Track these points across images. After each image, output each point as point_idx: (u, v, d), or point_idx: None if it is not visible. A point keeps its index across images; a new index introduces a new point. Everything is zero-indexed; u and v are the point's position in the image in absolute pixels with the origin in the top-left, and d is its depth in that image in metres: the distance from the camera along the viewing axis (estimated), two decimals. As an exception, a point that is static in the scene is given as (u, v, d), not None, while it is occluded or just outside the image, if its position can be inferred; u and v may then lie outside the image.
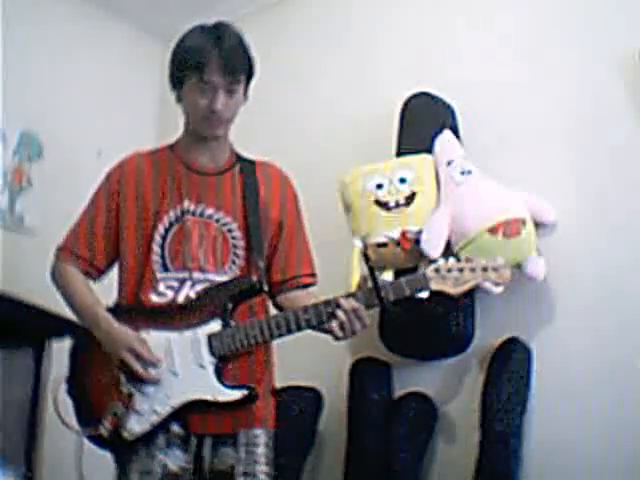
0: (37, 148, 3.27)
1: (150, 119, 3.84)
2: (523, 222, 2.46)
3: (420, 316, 2.51)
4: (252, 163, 2.14)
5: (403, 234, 2.57)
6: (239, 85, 2.01)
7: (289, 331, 1.91)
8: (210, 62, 1.95)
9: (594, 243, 2.47)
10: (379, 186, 2.64)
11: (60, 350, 2.52)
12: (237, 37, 2.05)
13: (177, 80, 2.05)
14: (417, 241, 2.55)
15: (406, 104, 2.79)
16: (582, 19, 2.63)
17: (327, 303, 1.90)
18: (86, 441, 1.92)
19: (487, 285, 1.96)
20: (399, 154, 2.75)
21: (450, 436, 2.63)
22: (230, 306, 1.94)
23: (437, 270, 1.90)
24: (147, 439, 1.89)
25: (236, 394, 1.90)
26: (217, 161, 2.10)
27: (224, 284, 1.98)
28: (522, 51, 2.74)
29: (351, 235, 2.69)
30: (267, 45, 3.44)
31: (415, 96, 2.78)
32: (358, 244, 2.66)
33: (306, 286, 2.11)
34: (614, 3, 2.58)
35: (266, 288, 2.01)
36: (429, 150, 2.68)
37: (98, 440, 1.91)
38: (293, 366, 2.38)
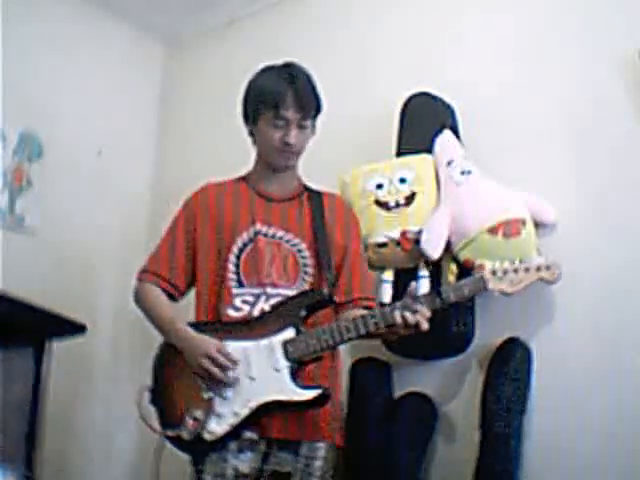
0: (37, 148, 3.27)
1: (150, 119, 3.85)
2: (523, 222, 2.46)
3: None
4: (319, 193, 2.34)
5: (403, 234, 2.57)
6: (310, 120, 2.22)
7: (358, 335, 2.04)
8: (286, 100, 2.15)
9: (594, 243, 2.47)
10: (379, 186, 2.64)
11: (60, 350, 2.52)
12: (308, 76, 2.24)
13: (252, 116, 2.24)
14: (417, 241, 2.55)
15: (406, 104, 2.79)
16: (582, 19, 2.63)
17: (393, 307, 2.03)
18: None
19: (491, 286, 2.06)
20: (399, 154, 2.75)
21: (450, 436, 2.63)
22: (303, 315, 2.09)
23: (494, 272, 2.06)
24: (221, 444, 2.04)
25: (310, 393, 2.03)
26: (287, 190, 2.31)
27: (297, 296, 2.13)
28: (522, 51, 2.74)
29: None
30: (267, 45, 3.45)
31: (415, 96, 2.78)
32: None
33: (366, 308, 2.22)
34: (614, 3, 2.58)
35: (335, 298, 2.17)
36: (429, 150, 2.68)
37: (178, 442, 2.04)
38: (293, 366, 2.37)
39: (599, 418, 2.35)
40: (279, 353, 2.05)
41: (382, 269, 2.64)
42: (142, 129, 3.80)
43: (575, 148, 2.56)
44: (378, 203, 2.63)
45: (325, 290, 2.15)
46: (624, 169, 2.47)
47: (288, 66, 2.25)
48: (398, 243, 2.58)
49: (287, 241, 2.22)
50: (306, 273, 2.21)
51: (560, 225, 2.53)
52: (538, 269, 2.09)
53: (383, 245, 2.60)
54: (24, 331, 2.48)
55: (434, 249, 2.52)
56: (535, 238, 2.48)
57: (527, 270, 2.08)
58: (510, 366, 2.44)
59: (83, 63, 3.51)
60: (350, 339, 2.06)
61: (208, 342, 2.05)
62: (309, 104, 2.19)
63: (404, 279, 2.57)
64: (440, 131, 2.69)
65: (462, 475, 2.45)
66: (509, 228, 2.44)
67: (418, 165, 2.65)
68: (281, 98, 2.15)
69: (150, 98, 3.85)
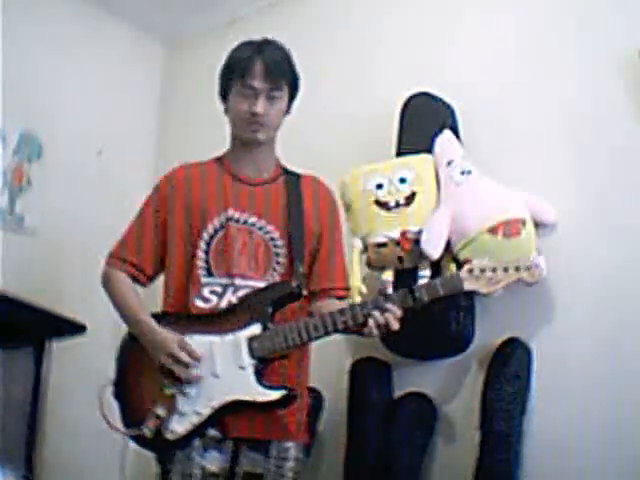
0: (37, 148, 3.27)
1: (150, 119, 3.84)
2: (523, 222, 2.46)
3: (420, 316, 2.50)
4: (298, 176, 2.23)
5: (403, 234, 2.57)
6: (280, 92, 2.12)
7: (326, 333, 1.98)
8: (252, 67, 2.07)
9: (594, 243, 2.47)
10: (379, 186, 2.64)
11: (60, 350, 2.53)
12: (281, 49, 2.17)
13: (224, 90, 2.17)
14: (417, 241, 2.55)
15: (406, 104, 2.79)
16: (582, 19, 2.63)
17: (363, 305, 1.97)
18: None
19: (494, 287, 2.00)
20: (399, 154, 2.75)
21: (450, 436, 2.63)
22: (270, 310, 2.01)
23: (470, 271, 1.97)
24: (185, 443, 1.97)
25: (275, 394, 1.96)
26: (262, 172, 2.20)
27: (264, 289, 2.05)
28: (522, 51, 2.74)
29: (351, 235, 2.69)
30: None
31: (415, 96, 2.78)
32: (358, 244, 2.66)
33: (340, 298, 2.17)
34: (614, 3, 2.58)
35: (305, 293, 2.08)
36: (429, 150, 2.68)
37: (142, 441, 1.98)
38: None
39: (599, 418, 2.35)
40: (244, 350, 1.97)
41: (382, 269, 2.64)
42: (142, 129, 3.80)
43: (575, 148, 2.56)
44: (378, 203, 2.63)
45: (294, 284, 2.04)
46: (624, 169, 2.46)
47: (264, 40, 2.17)
48: (398, 243, 2.58)
49: (259, 228, 2.12)
50: (277, 263, 2.11)
51: (560, 225, 2.53)
52: (517, 269, 1.97)
53: (383, 245, 2.60)
54: (24, 331, 2.48)
55: (434, 249, 2.52)
56: (535, 238, 2.48)
57: (506, 270, 1.97)
58: (510, 366, 2.44)
59: (83, 63, 3.51)
60: (318, 337, 1.98)
61: (170, 339, 1.97)
62: (278, 73, 2.10)
63: (404, 279, 2.58)
64: (440, 131, 2.69)
65: (462, 475, 2.45)
66: (509, 228, 2.44)
67: (418, 165, 2.65)
68: (248, 66, 2.08)
69: (150, 98, 3.85)
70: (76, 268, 3.34)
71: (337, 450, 2.71)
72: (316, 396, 2.78)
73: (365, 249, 2.66)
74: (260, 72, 2.08)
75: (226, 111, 2.19)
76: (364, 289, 2.58)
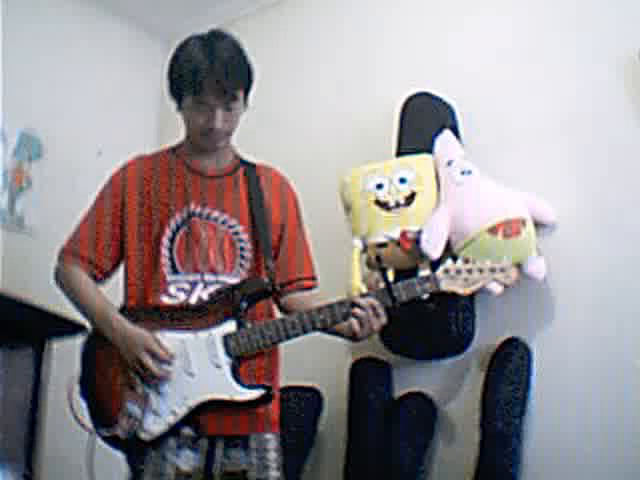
0: (37, 148, 3.27)
1: (150, 119, 3.84)
2: (523, 222, 2.46)
3: (420, 316, 2.51)
4: (253, 166, 2.16)
5: (403, 234, 2.57)
6: (237, 101, 2.01)
7: (304, 331, 1.93)
8: (204, 86, 1.94)
9: (594, 243, 2.47)
10: (379, 186, 2.64)
11: (60, 350, 2.53)
12: (230, 52, 2.00)
13: (175, 93, 2.05)
14: (417, 241, 2.55)
15: (406, 104, 2.79)
16: (582, 19, 2.63)
17: (341, 303, 1.93)
18: (98, 442, 1.92)
19: (492, 286, 2.00)
20: (399, 154, 2.75)
21: (450, 436, 2.63)
22: (244, 306, 1.95)
23: (446, 271, 1.96)
24: (159, 442, 1.90)
25: (253, 393, 1.91)
26: (220, 164, 2.12)
27: (237, 285, 1.99)
28: (522, 51, 2.74)
29: (351, 235, 2.69)
30: (267, 45, 3.45)
31: (415, 96, 2.78)
32: (358, 244, 2.66)
33: (307, 289, 2.13)
34: (614, 3, 2.58)
35: (277, 289, 2.03)
36: (429, 150, 2.68)
37: (113, 441, 1.91)
38: (293, 366, 2.37)
39: (599, 418, 2.35)
40: (220, 348, 1.91)
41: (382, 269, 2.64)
42: (142, 129, 3.80)
43: (575, 148, 2.56)
44: (378, 203, 2.63)
45: (266, 280, 1.99)
46: (624, 169, 2.47)
47: (210, 40, 2.01)
48: (398, 243, 2.58)
49: (223, 222, 2.05)
50: (243, 258, 2.05)
51: (560, 225, 2.53)
52: (492, 270, 1.98)
53: (383, 245, 2.60)
54: (24, 331, 2.48)
55: (434, 249, 2.52)
56: (535, 238, 2.48)
57: (481, 271, 1.98)
58: (510, 366, 2.44)
59: (83, 63, 3.51)
60: (296, 335, 1.93)
61: (144, 334, 1.90)
62: (233, 87, 1.97)
63: (404, 279, 2.58)
64: (440, 131, 2.69)
65: (462, 475, 2.45)
66: (509, 228, 2.44)
67: (418, 165, 2.65)
68: (200, 82, 1.94)
69: (150, 98, 3.84)
70: (76, 268, 3.34)
71: (337, 450, 2.71)
72: (316, 396, 2.79)
73: (365, 249, 2.66)
74: (214, 89, 1.95)
75: (178, 109, 2.07)
76: (364, 289, 2.58)
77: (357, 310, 1.90)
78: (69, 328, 2.46)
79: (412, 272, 2.59)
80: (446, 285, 1.95)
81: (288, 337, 1.93)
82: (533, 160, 2.63)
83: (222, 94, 1.96)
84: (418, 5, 3.06)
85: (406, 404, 2.64)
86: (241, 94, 2.02)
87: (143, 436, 1.88)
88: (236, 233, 2.06)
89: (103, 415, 1.92)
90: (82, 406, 1.94)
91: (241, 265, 2.05)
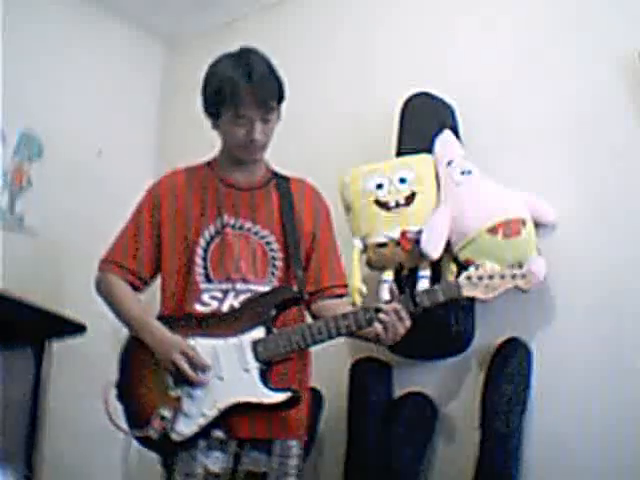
0: (37, 148, 3.26)
1: (150, 119, 3.84)
2: (523, 222, 2.46)
3: (420, 316, 2.50)
4: (287, 179, 2.25)
5: (403, 234, 2.57)
6: (273, 112, 2.12)
7: (330, 337, 2.01)
8: (244, 98, 2.05)
9: (594, 243, 2.47)
10: (379, 186, 2.64)
11: (60, 350, 2.53)
12: (265, 65, 2.13)
13: (213, 111, 2.16)
14: (417, 241, 2.55)
15: (406, 104, 2.79)
16: (582, 19, 2.63)
17: (366, 309, 2.00)
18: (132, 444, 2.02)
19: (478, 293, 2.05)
20: (399, 154, 2.75)
21: (450, 436, 2.63)
22: (273, 314, 2.04)
23: (469, 278, 2.02)
24: (189, 443, 1.99)
25: (280, 396, 1.99)
26: (253, 177, 2.22)
27: (267, 293, 2.08)
28: (522, 51, 2.74)
29: (351, 235, 2.69)
30: (267, 45, 3.44)
31: (415, 96, 2.78)
32: (358, 244, 2.67)
33: (339, 296, 2.19)
34: (614, 3, 2.58)
35: (306, 297, 2.11)
36: (429, 150, 2.68)
37: (146, 442, 2.00)
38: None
39: (599, 418, 2.35)
40: (249, 353, 2.00)
41: (382, 269, 2.64)
42: (142, 129, 3.80)
43: (575, 148, 2.57)
44: (378, 203, 2.63)
45: (295, 288, 2.09)
46: (624, 169, 2.47)
47: (243, 55, 2.14)
48: (398, 243, 2.58)
49: (255, 233, 2.14)
50: (275, 267, 2.14)
51: (560, 225, 2.53)
52: (513, 276, 2.03)
53: (383, 245, 2.60)
54: (24, 331, 2.48)
55: (434, 249, 2.52)
56: (535, 238, 2.48)
57: (502, 277, 2.03)
58: (510, 366, 2.44)
59: (83, 63, 3.51)
60: (322, 341, 2.02)
61: (179, 339, 2.00)
62: (270, 99, 2.08)
63: (404, 279, 2.58)
64: (440, 131, 2.69)
65: (462, 475, 2.45)
66: (509, 228, 2.44)
67: (418, 165, 2.65)
68: (240, 98, 2.05)
69: (150, 98, 3.84)
70: (76, 268, 3.34)
71: (337, 450, 2.71)
72: (316, 396, 2.79)
73: (365, 249, 2.66)
74: (253, 101, 2.06)
75: (215, 127, 2.19)
76: (364, 289, 2.58)
77: (381, 315, 1.97)
78: (69, 328, 2.47)
79: (412, 272, 2.59)
80: (467, 291, 2.01)
81: (314, 342, 2.02)
82: (533, 160, 2.63)
83: (260, 106, 2.07)
84: (418, 5, 3.06)
85: (406, 404, 2.64)
86: (276, 105, 2.12)
87: (174, 437, 1.97)
88: (268, 243, 2.15)
89: (137, 417, 2.01)
90: (118, 408, 2.03)
91: (272, 274, 2.13)
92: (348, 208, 2.71)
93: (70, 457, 3.21)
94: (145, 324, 2.06)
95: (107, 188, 3.53)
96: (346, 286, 2.26)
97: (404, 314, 1.97)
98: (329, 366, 2.83)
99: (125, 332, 2.07)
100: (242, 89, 2.05)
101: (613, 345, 2.38)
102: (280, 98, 2.14)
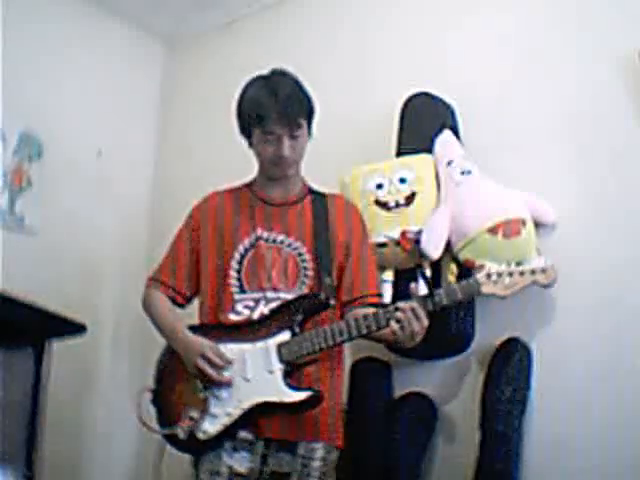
0: (37, 148, 3.26)
1: (150, 119, 3.84)
2: (523, 222, 2.46)
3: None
4: (323, 195, 2.35)
5: (403, 234, 2.58)
6: (301, 129, 2.19)
7: (350, 337, 2.07)
8: (269, 115, 2.14)
9: (594, 243, 2.47)
10: (379, 186, 2.65)
11: (60, 350, 2.52)
12: (291, 84, 2.21)
13: (245, 132, 2.26)
14: (417, 241, 2.55)
15: (406, 104, 2.79)
16: (582, 19, 2.63)
17: (386, 310, 2.05)
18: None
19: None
20: (399, 154, 2.75)
21: (450, 436, 2.63)
22: (299, 318, 2.11)
23: (488, 276, 2.04)
24: (216, 443, 2.08)
25: (301, 395, 2.06)
26: (290, 194, 2.31)
27: (294, 300, 2.15)
28: (522, 51, 2.74)
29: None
30: (267, 45, 3.45)
31: (415, 96, 2.78)
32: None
33: (372, 305, 2.22)
34: (614, 3, 2.58)
35: (332, 302, 2.17)
36: (429, 150, 2.68)
37: (175, 442, 2.10)
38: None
39: (599, 418, 2.35)
40: (273, 355, 2.09)
41: (382, 269, 2.64)
42: (142, 129, 3.80)
43: (575, 148, 2.56)
44: (378, 203, 2.63)
45: (322, 294, 2.15)
46: (624, 169, 2.47)
47: (272, 76, 2.24)
48: (398, 243, 2.58)
49: (288, 245, 2.24)
50: (306, 276, 2.22)
51: (560, 225, 2.53)
52: (533, 272, 2.07)
53: (383, 245, 2.60)
54: (24, 331, 2.47)
55: (434, 249, 2.52)
56: (535, 238, 2.48)
57: (522, 274, 2.06)
58: (510, 366, 2.44)
59: (83, 63, 3.51)
60: (343, 341, 2.09)
61: (202, 342, 2.10)
62: (295, 116, 2.17)
63: (404, 279, 2.58)
64: (440, 131, 2.69)
65: (462, 475, 2.45)
66: (509, 228, 2.44)
67: (418, 165, 2.65)
68: (265, 115, 2.15)
69: (150, 98, 3.85)
70: (76, 268, 3.34)
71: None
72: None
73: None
74: (279, 118, 2.14)
75: (250, 146, 2.28)
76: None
77: (398, 313, 2.01)
78: (69, 328, 2.46)
79: (412, 272, 2.59)
80: (486, 289, 2.04)
81: (335, 343, 2.08)
82: (533, 160, 2.63)
83: (286, 123, 2.15)
84: (418, 5, 3.06)
85: (406, 404, 2.64)
86: (304, 122, 2.20)
87: (200, 436, 2.06)
88: (300, 254, 2.23)
89: (167, 418, 2.12)
90: (150, 411, 2.15)
91: (303, 283, 2.21)
92: (348, 208, 2.71)
93: (70, 457, 3.21)
94: (174, 331, 2.17)
95: (107, 188, 3.53)
96: (380, 295, 2.32)
97: (421, 312, 2.00)
98: (329, 366, 2.83)
99: (123, 332, 2.11)
100: (268, 107, 2.14)
101: (613, 345, 2.38)
102: (308, 115, 2.22)
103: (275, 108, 2.14)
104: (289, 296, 2.17)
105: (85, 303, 3.22)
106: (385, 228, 2.60)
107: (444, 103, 2.76)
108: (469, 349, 2.59)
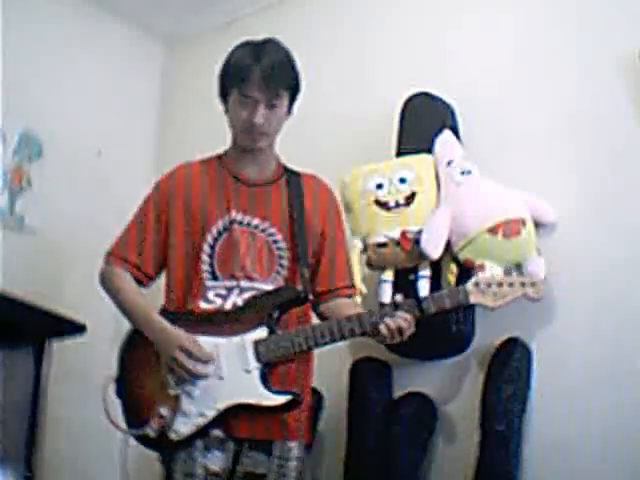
0: (37, 148, 3.26)
1: (150, 119, 3.84)
2: (523, 222, 2.46)
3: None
4: (298, 175, 2.22)
5: (403, 234, 2.57)
6: (281, 100, 2.08)
7: (333, 340, 1.99)
8: (250, 77, 2.02)
9: (594, 243, 2.47)
10: (379, 186, 2.64)
11: (60, 350, 2.53)
12: (280, 53, 2.11)
13: (223, 93, 2.13)
14: (417, 241, 2.55)
15: (406, 104, 2.79)
16: (582, 19, 2.63)
17: (371, 314, 1.98)
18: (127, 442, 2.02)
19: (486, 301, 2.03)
20: (399, 154, 2.75)
21: (450, 436, 2.63)
22: (276, 314, 2.01)
23: (477, 284, 1.98)
24: (187, 443, 1.97)
25: (280, 399, 1.97)
26: (264, 172, 2.18)
27: (271, 292, 2.05)
28: (522, 51, 2.74)
29: (351, 235, 2.69)
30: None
31: (415, 96, 2.78)
32: (358, 244, 2.66)
33: (348, 297, 2.18)
34: (614, 3, 2.58)
35: (311, 297, 2.08)
36: (429, 150, 2.68)
37: (145, 440, 1.98)
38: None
39: (599, 418, 2.35)
40: (250, 353, 1.98)
41: (382, 269, 2.64)
42: (142, 129, 3.80)
43: (575, 148, 2.56)
44: (378, 203, 2.63)
45: (300, 288, 2.06)
46: (624, 169, 2.47)
47: (263, 42, 2.12)
48: (398, 243, 2.58)
49: (263, 230, 2.11)
50: (281, 266, 2.11)
51: (560, 225, 2.53)
52: (523, 285, 2.01)
53: (383, 245, 2.60)
54: (24, 331, 2.48)
55: (434, 249, 2.52)
56: (535, 238, 2.48)
57: (511, 285, 2.00)
58: (510, 366, 2.44)
59: (83, 63, 3.51)
60: (325, 344, 2.00)
61: (181, 334, 1.97)
62: (278, 82, 2.05)
63: (404, 279, 2.58)
64: (440, 131, 2.69)
65: (462, 475, 2.45)
66: (509, 228, 2.44)
67: (418, 165, 2.65)
68: (246, 75, 2.02)
69: (150, 98, 3.84)
70: (76, 268, 3.34)
71: (337, 450, 2.71)
72: (316, 396, 2.78)
73: (365, 249, 2.66)
74: (258, 82, 2.03)
75: (226, 111, 2.16)
76: (364, 289, 2.58)
77: (387, 320, 1.94)
78: (69, 328, 2.47)
79: (412, 272, 2.59)
80: (475, 298, 1.98)
81: (317, 345, 2.00)
82: (533, 160, 2.63)
83: (265, 88, 2.02)
84: (418, 5, 3.06)
85: (406, 404, 2.64)
86: (285, 95, 2.09)
87: (172, 436, 1.95)
88: (275, 241, 2.12)
89: (136, 414, 2.00)
90: (116, 405, 2.02)
91: (278, 272, 2.11)
92: (348, 208, 2.71)
93: (70, 457, 3.21)
94: (149, 319, 2.04)
95: (107, 188, 3.53)
96: (354, 286, 2.24)
97: (411, 321, 1.96)
98: (329, 366, 2.82)
99: (125, 329, 2.07)
100: (249, 69, 2.03)
101: (613, 345, 2.38)
102: (292, 89, 2.11)
103: (257, 71, 2.02)
104: (264, 286, 2.06)
105: (85, 303, 3.22)
106: (385, 228, 2.60)
107: (444, 103, 2.76)
108: (469, 349, 2.59)
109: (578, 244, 2.49)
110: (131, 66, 3.76)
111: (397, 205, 2.61)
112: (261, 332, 1.99)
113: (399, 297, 2.01)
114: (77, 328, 2.47)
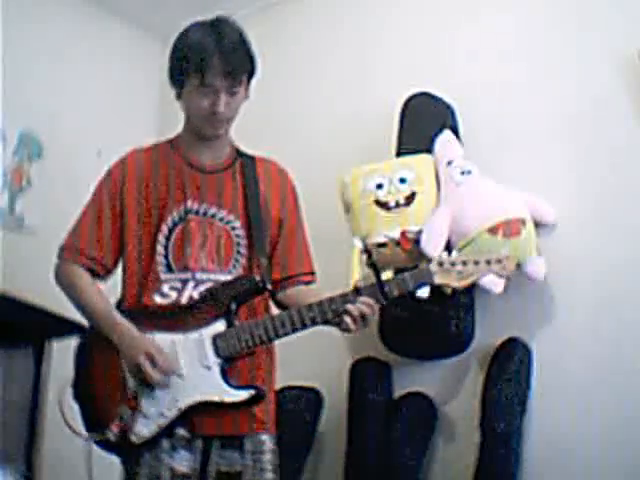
0: (37, 148, 3.27)
1: (150, 119, 3.84)
2: (523, 222, 2.46)
3: (420, 316, 2.51)
4: (252, 159, 2.12)
5: (403, 234, 2.57)
6: (241, 86, 1.99)
7: (294, 329, 1.89)
8: (211, 66, 1.93)
9: (594, 243, 2.47)
10: (379, 186, 2.64)
11: (60, 350, 2.52)
12: (237, 35, 2.01)
13: (178, 79, 2.02)
14: (417, 241, 2.55)
15: (406, 104, 2.79)
16: (582, 19, 2.64)
17: (331, 300, 1.88)
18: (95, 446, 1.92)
19: (491, 283, 1.96)
20: (399, 154, 2.75)
21: (450, 436, 2.63)
22: (234, 306, 1.92)
23: (441, 264, 1.89)
24: (152, 444, 1.88)
25: (243, 394, 1.89)
26: (218, 158, 2.08)
27: (227, 284, 1.96)
28: (522, 51, 2.74)
29: (351, 235, 2.69)
30: (267, 45, 3.44)
31: (415, 96, 2.78)
32: (358, 244, 2.66)
33: (306, 284, 2.09)
34: (614, 3, 2.59)
35: (269, 287, 1.99)
36: (429, 150, 2.68)
37: (106, 444, 1.90)
38: (293, 366, 2.38)
39: (599, 418, 2.35)
40: (209, 349, 1.89)
41: (382, 269, 2.63)
42: (142, 129, 3.79)
43: (575, 148, 2.57)
44: (378, 203, 2.63)
45: (257, 277, 1.95)
46: (624, 169, 2.47)
47: (216, 24, 2.03)
48: (398, 243, 2.58)
49: (220, 219, 2.02)
50: (239, 254, 2.01)
51: (560, 225, 2.53)
52: (488, 262, 1.89)
53: (383, 245, 2.60)
54: (24, 331, 2.47)
55: (434, 249, 2.51)
56: (535, 238, 2.48)
57: (477, 263, 1.88)
58: (510, 366, 2.44)
59: (83, 63, 3.51)
60: (286, 334, 1.89)
61: (146, 341, 1.88)
62: (239, 69, 1.95)
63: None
64: (440, 131, 2.69)
65: (462, 475, 2.45)
66: (509, 228, 2.44)
67: (418, 165, 2.65)
68: (207, 64, 1.92)
69: (150, 98, 3.84)
70: (76, 268, 3.34)
71: (337, 450, 2.71)
72: (316, 396, 2.79)
73: (365, 249, 2.66)
74: (220, 70, 1.93)
75: (178, 97, 2.04)
76: (364, 289, 2.58)
77: (349, 306, 1.85)
78: (69, 328, 2.46)
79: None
80: (440, 279, 1.88)
81: (277, 336, 1.90)
82: (533, 160, 2.63)
83: (228, 76, 1.94)
84: (418, 5, 3.06)
85: (406, 404, 2.64)
86: (245, 79, 2.00)
87: (133, 439, 1.86)
88: (233, 229, 2.03)
89: (95, 418, 1.91)
90: (74, 409, 1.93)
91: (237, 261, 2.01)
92: (348, 208, 2.71)
93: (70, 457, 3.20)
94: (113, 322, 1.93)
95: (107, 188, 3.52)
96: (313, 273, 2.13)
97: (374, 306, 1.86)
98: (329, 366, 2.84)
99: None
100: (211, 56, 1.92)
101: (613, 345, 2.38)
102: (250, 72, 2.02)
103: (218, 59, 1.92)
104: (221, 277, 1.96)
105: (85, 303, 3.22)
106: (385, 228, 2.60)
107: (444, 103, 2.77)
108: (469, 349, 2.59)
109: (578, 244, 2.49)
110: (131, 66, 3.76)
111: (397, 205, 2.61)
112: (219, 326, 1.90)
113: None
114: (77, 328, 2.46)
